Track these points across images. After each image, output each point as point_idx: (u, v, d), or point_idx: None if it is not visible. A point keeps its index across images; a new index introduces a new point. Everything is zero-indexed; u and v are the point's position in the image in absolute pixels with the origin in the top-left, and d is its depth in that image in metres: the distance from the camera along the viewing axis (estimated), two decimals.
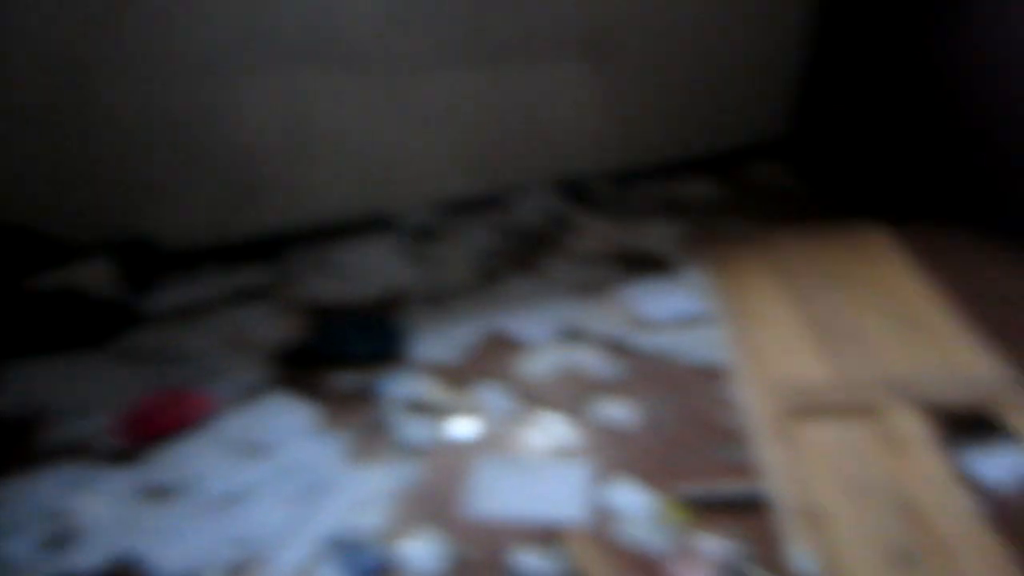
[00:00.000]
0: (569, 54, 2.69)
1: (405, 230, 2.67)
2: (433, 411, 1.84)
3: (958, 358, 1.84)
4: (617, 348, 2.05)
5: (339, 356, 2.03)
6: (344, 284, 2.39)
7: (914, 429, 1.62)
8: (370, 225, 2.66)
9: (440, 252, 2.56)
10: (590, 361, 2.00)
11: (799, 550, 1.35)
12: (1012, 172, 2.42)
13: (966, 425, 1.69)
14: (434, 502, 1.60)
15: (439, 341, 2.09)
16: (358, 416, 1.84)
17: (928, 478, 1.50)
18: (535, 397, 1.88)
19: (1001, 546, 1.36)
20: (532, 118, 2.76)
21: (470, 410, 1.85)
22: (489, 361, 2.02)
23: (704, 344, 2.04)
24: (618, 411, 1.82)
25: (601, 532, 1.49)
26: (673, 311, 2.19)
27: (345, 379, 1.97)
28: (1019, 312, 2.10)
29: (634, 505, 1.54)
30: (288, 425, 1.81)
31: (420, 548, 1.48)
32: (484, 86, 2.62)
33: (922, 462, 1.54)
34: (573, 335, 2.11)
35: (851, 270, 2.27)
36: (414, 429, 1.79)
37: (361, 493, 1.62)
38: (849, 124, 3.05)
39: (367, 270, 2.45)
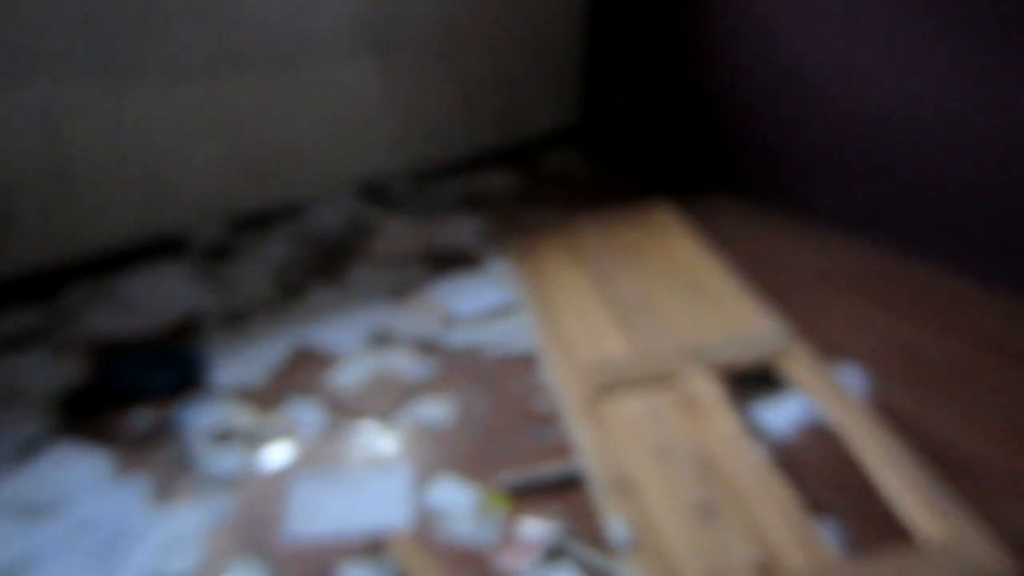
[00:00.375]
0: (354, 52, 2.64)
1: (195, 251, 2.52)
2: (242, 437, 1.76)
3: (742, 321, 1.99)
4: (429, 348, 2.05)
5: (131, 393, 1.88)
6: (131, 316, 2.21)
7: (707, 390, 1.73)
8: (156, 249, 2.47)
9: (236, 270, 2.44)
10: (402, 364, 1.98)
11: (614, 519, 1.41)
12: (783, 145, 2.65)
13: (752, 381, 1.83)
14: (252, 532, 1.52)
15: (242, 363, 2.00)
16: (158, 455, 1.72)
17: (722, 435, 1.62)
18: (349, 408, 1.84)
19: (787, 487, 1.49)
20: (322, 121, 2.69)
21: (282, 431, 1.78)
22: (298, 377, 1.96)
23: (513, 334, 2.09)
24: (434, 410, 1.82)
25: (426, 534, 1.49)
26: (482, 305, 2.22)
27: (140, 417, 1.83)
28: (793, 275, 2.30)
29: (456, 502, 1.55)
30: (78, 477, 1.65)
31: None
32: (268, 91, 2.51)
33: (716, 420, 1.65)
34: (383, 340, 2.08)
35: (642, 247, 2.40)
36: (222, 459, 1.69)
37: (170, 536, 1.51)
38: (631, 106, 3.23)
39: (156, 298, 2.28)
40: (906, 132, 2.23)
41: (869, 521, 1.47)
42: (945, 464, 1.58)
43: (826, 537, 1.41)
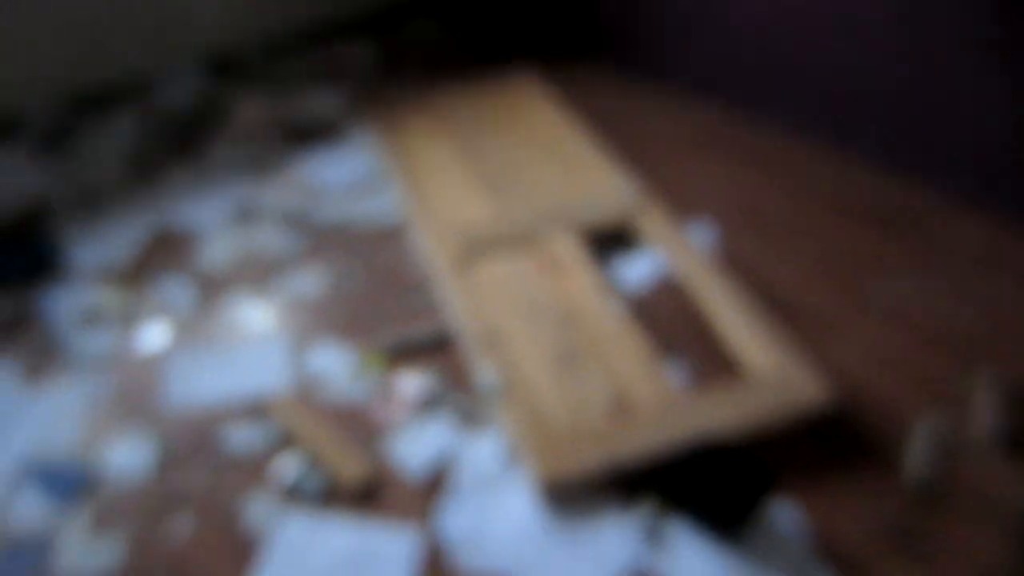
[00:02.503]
0: None
1: (33, 134, 2.36)
2: (111, 317, 1.74)
3: (601, 184, 2.10)
4: (296, 221, 2.05)
5: None
6: None
7: (569, 251, 1.84)
8: None
9: (82, 152, 2.31)
10: (269, 238, 1.99)
11: (484, 370, 1.52)
12: (640, 11, 2.71)
13: (610, 241, 1.96)
14: (131, 405, 1.54)
15: (101, 246, 1.94)
16: (23, 340, 1.68)
17: (583, 291, 1.74)
18: (219, 284, 1.85)
19: (640, 335, 1.64)
20: None
21: (152, 309, 1.77)
22: (163, 256, 1.93)
23: (380, 205, 2.11)
24: (305, 282, 1.85)
25: (307, 396, 1.55)
26: (346, 177, 2.22)
27: None
28: (649, 140, 2.42)
29: (334, 365, 1.62)
30: None
31: (124, 450, 1.44)
32: None
33: (578, 278, 1.77)
34: (248, 216, 2.07)
35: (505, 114, 2.44)
36: (93, 340, 1.68)
37: (47, 415, 1.52)
38: None
39: None
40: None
41: (710, 361, 1.65)
42: (781, 309, 1.77)
43: (672, 375, 1.58)
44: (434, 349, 1.66)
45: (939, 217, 2.05)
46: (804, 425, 1.46)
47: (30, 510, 1.34)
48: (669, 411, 1.46)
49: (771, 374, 1.53)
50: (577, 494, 1.37)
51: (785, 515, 1.34)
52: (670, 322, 1.75)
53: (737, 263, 1.92)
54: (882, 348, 1.69)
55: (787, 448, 1.45)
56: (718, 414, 1.44)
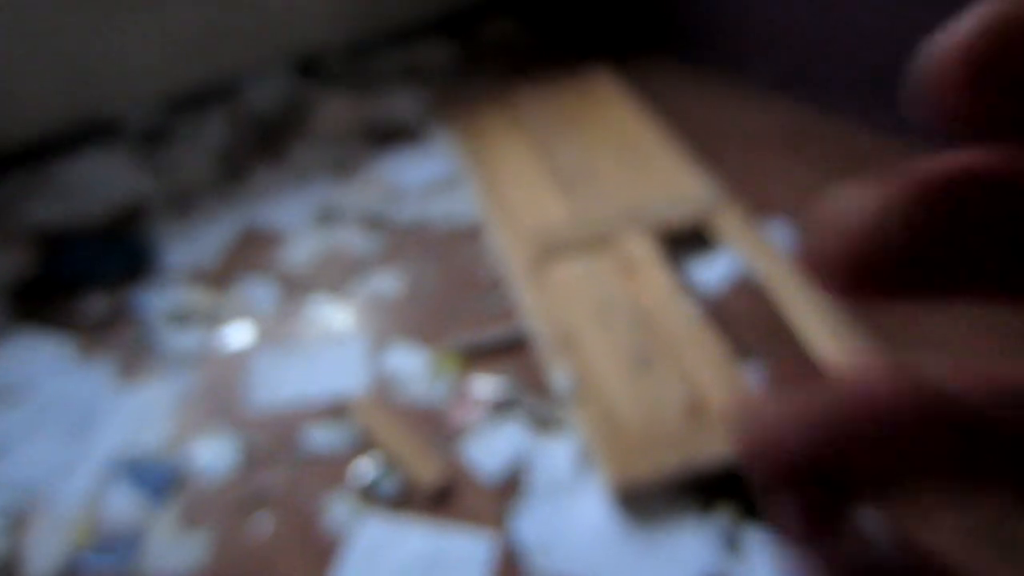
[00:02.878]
0: None
1: (130, 135, 2.48)
2: (199, 317, 1.81)
3: (676, 183, 2.07)
4: (375, 222, 2.10)
5: (84, 280, 1.91)
6: (72, 204, 2.20)
7: (644, 252, 1.83)
8: (89, 135, 2.42)
9: (175, 153, 2.42)
10: (350, 239, 2.03)
11: (558, 373, 1.52)
12: (716, 6, 2.66)
13: (686, 241, 1.93)
14: (217, 404, 1.61)
15: (191, 246, 2.02)
16: (118, 338, 1.77)
17: (657, 292, 1.72)
18: (301, 284, 1.90)
19: (716, 336, 1.61)
20: None
21: (238, 309, 1.84)
22: (248, 257, 2.00)
23: (458, 206, 2.14)
24: (384, 282, 1.89)
25: (384, 396, 1.59)
26: (425, 178, 2.26)
27: (95, 303, 1.87)
28: (725, 136, 2.37)
29: (411, 366, 1.65)
30: (41, 363, 1.71)
31: (210, 448, 1.50)
32: None
33: (652, 279, 1.76)
34: (330, 217, 2.12)
35: (581, 114, 2.43)
36: (182, 338, 1.76)
37: (138, 412, 1.59)
38: None
39: (95, 184, 2.26)
40: None
41: (790, 364, 1.61)
42: (864, 309, 1.72)
43: (750, 378, 1.55)
44: (509, 351, 1.68)
45: None
46: None
47: (121, 506, 1.41)
48: None
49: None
50: (652, 499, 1.37)
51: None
52: (748, 324, 1.72)
53: None
54: (973, 348, 1.62)
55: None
56: None
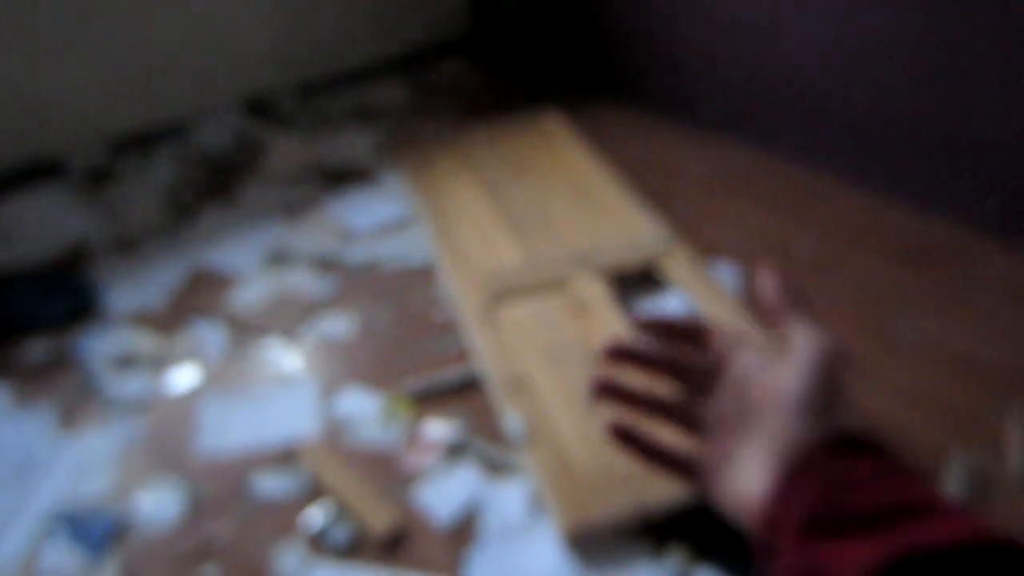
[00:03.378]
0: None
1: (76, 174, 2.43)
2: (144, 361, 1.77)
3: (627, 225, 2.10)
4: (327, 264, 2.09)
5: (24, 323, 1.85)
6: (14, 245, 2.14)
7: (595, 293, 1.85)
8: (32, 174, 2.37)
9: (122, 193, 2.38)
10: (301, 281, 2.02)
11: (510, 416, 1.52)
12: (666, 51, 2.73)
13: (637, 283, 1.96)
14: (164, 451, 1.57)
15: (138, 288, 1.99)
16: (59, 384, 1.72)
17: (609, 332, 1.74)
18: (251, 327, 1.88)
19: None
20: (200, 35, 2.59)
21: (185, 353, 1.81)
22: (196, 300, 1.97)
23: (410, 248, 2.14)
24: (336, 325, 1.88)
25: (335, 441, 1.57)
26: (378, 219, 2.26)
27: (36, 348, 1.81)
28: (675, 179, 2.42)
29: (362, 410, 1.63)
30: None
31: (155, 498, 1.46)
32: (135, 3, 2.40)
33: (603, 320, 1.78)
34: (281, 258, 2.10)
35: (533, 156, 2.46)
36: (127, 383, 1.71)
37: (80, 461, 1.54)
38: (520, 11, 3.23)
39: (39, 225, 2.21)
40: (776, 35, 2.34)
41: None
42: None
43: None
44: (462, 394, 1.67)
45: (968, 252, 2.02)
46: None
47: (59, 561, 1.36)
48: None
49: None
50: (606, 542, 1.37)
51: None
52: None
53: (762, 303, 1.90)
54: (912, 387, 1.67)
55: None
56: None
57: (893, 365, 1.74)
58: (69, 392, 1.70)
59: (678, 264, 1.95)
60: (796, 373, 0.93)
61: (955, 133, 2.05)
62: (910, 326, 1.83)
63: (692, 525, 1.35)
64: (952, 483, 1.41)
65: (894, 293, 1.95)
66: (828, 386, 0.90)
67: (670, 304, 1.89)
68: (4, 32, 2.17)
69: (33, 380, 1.73)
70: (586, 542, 1.36)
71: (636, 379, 1.21)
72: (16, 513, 1.43)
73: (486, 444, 1.54)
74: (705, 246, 2.09)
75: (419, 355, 1.79)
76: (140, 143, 2.58)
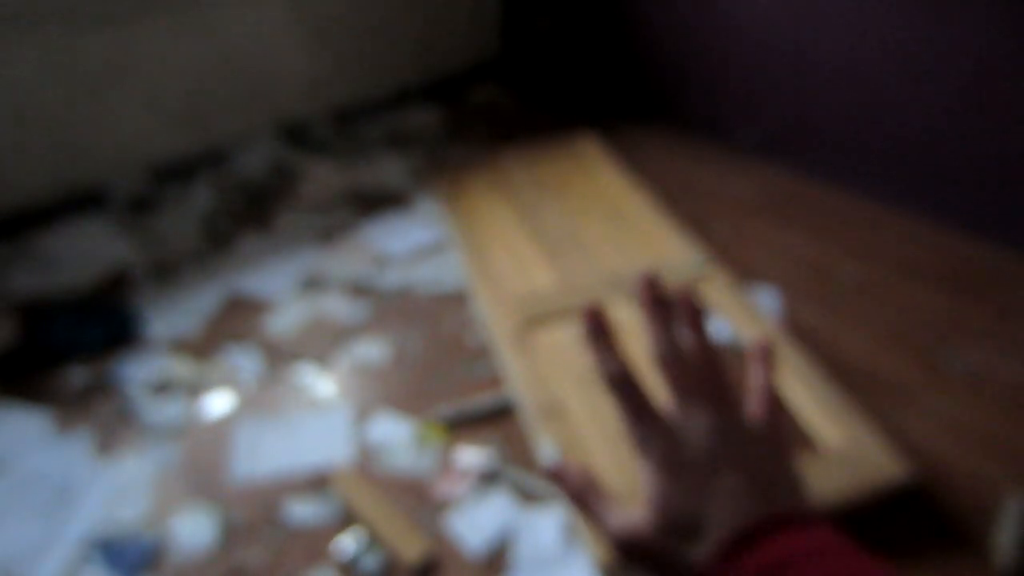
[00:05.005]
0: None
1: (116, 204, 2.48)
2: (181, 388, 1.79)
3: (663, 249, 2.08)
4: (361, 289, 2.09)
5: (64, 352, 1.88)
6: (56, 274, 2.18)
7: (631, 316, 1.82)
8: (74, 205, 2.42)
9: (160, 222, 2.42)
10: (336, 307, 2.02)
11: (544, 442, 1.50)
12: (702, 73, 2.72)
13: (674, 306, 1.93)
14: (198, 477, 1.57)
15: (175, 315, 2.01)
16: (99, 409, 1.74)
17: (645, 360, 1.71)
18: (285, 353, 1.89)
19: None
20: (237, 64, 2.64)
21: (221, 379, 1.82)
22: (232, 326, 1.98)
23: (444, 272, 2.14)
24: (369, 350, 1.88)
25: (367, 467, 1.56)
26: (412, 244, 2.26)
27: (76, 375, 1.84)
28: (712, 202, 2.40)
29: (395, 436, 1.62)
30: (18, 436, 1.67)
31: (189, 524, 1.46)
32: (175, 34, 2.44)
33: (640, 343, 1.75)
34: (316, 284, 2.12)
35: (567, 180, 2.45)
36: (164, 410, 1.73)
37: (117, 486, 1.55)
38: (553, 34, 3.24)
39: (80, 254, 2.26)
40: (815, 58, 2.31)
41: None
42: (852, 379, 1.71)
43: None
44: (495, 420, 1.66)
45: (1020, 279, 1.96)
46: (879, 503, 1.40)
47: None
48: None
49: (843, 448, 1.47)
50: (639, 573, 1.33)
51: None
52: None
53: (804, 331, 1.86)
54: (961, 419, 1.61)
55: (860, 528, 1.39)
56: None
57: (940, 396, 1.68)
58: (107, 418, 1.71)
59: (715, 289, 1.91)
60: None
61: (1005, 154, 2.00)
62: (958, 356, 1.78)
63: None
64: (1006, 522, 1.36)
65: (942, 321, 1.90)
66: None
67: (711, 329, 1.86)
68: (47, 68, 2.23)
69: (73, 406, 1.75)
70: (623, 571, 1.33)
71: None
72: (54, 538, 1.45)
73: (519, 472, 1.52)
74: (744, 271, 2.05)
75: (452, 380, 1.78)
76: (179, 172, 2.62)
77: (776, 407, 0.70)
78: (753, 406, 0.71)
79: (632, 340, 1.79)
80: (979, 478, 1.47)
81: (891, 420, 1.60)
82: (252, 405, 1.74)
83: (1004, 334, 1.82)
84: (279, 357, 1.87)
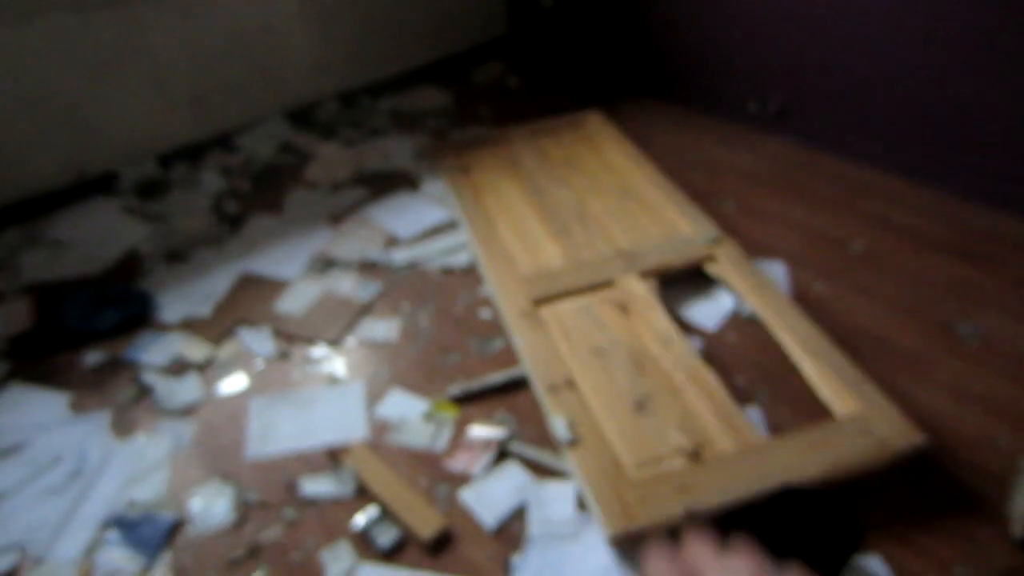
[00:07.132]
0: None
1: (127, 188, 2.49)
2: (196, 367, 1.80)
3: (672, 224, 2.07)
4: (371, 269, 2.09)
5: (80, 333, 1.90)
6: (70, 258, 2.20)
7: (640, 292, 1.82)
8: (86, 189, 2.44)
9: (172, 205, 2.42)
10: (347, 286, 2.03)
11: (556, 418, 1.50)
12: (707, 47, 2.69)
13: (684, 280, 1.93)
14: (214, 455, 1.58)
15: (188, 297, 2.02)
16: (115, 390, 1.76)
17: (655, 332, 1.71)
18: (297, 333, 1.89)
19: (716, 377, 1.59)
20: (245, 48, 2.63)
21: (234, 359, 1.83)
22: (245, 307, 1.99)
23: (453, 251, 2.14)
24: (380, 329, 1.88)
25: (381, 444, 1.57)
26: (421, 224, 2.26)
27: (92, 356, 1.85)
28: (720, 176, 2.38)
29: (407, 412, 1.63)
30: (35, 418, 1.69)
31: (205, 501, 1.47)
32: (182, 17, 2.44)
33: (649, 318, 1.75)
34: (327, 264, 2.12)
35: (574, 157, 2.44)
36: (179, 390, 1.74)
37: (134, 465, 1.57)
38: (557, 11, 3.21)
39: (93, 238, 2.27)
40: (821, 29, 2.29)
41: (791, 404, 1.59)
42: (864, 348, 1.71)
43: (751, 420, 1.53)
44: (506, 395, 1.66)
45: None
46: (893, 470, 1.40)
47: (114, 562, 1.38)
48: (748, 456, 1.41)
49: (857, 416, 1.47)
50: (653, 544, 1.34)
51: (875, 567, 1.27)
52: (747, 363, 1.71)
53: (816, 301, 1.86)
54: (973, 386, 1.61)
55: (875, 495, 1.39)
56: (800, 459, 1.39)
57: (954, 365, 1.67)
58: (123, 399, 1.73)
59: (725, 262, 1.90)
60: None
61: (1018, 129, 1.98)
62: (972, 325, 1.77)
63: (744, 529, 1.31)
64: (1022, 489, 1.35)
65: (955, 290, 1.88)
66: None
67: (718, 303, 1.85)
68: (57, 52, 2.23)
69: (88, 388, 1.77)
70: (633, 544, 1.33)
71: None
72: (73, 516, 1.46)
73: (531, 446, 1.53)
74: (754, 244, 2.04)
75: (463, 357, 1.78)
76: (188, 155, 2.63)
77: None
78: None
79: (643, 318, 1.79)
80: (993, 446, 1.47)
81: (904, 388, 1.59)
82: (265, 384, 1.75)
83: (1018, 303, 1.80)
84: (291, 337, 1.88)
